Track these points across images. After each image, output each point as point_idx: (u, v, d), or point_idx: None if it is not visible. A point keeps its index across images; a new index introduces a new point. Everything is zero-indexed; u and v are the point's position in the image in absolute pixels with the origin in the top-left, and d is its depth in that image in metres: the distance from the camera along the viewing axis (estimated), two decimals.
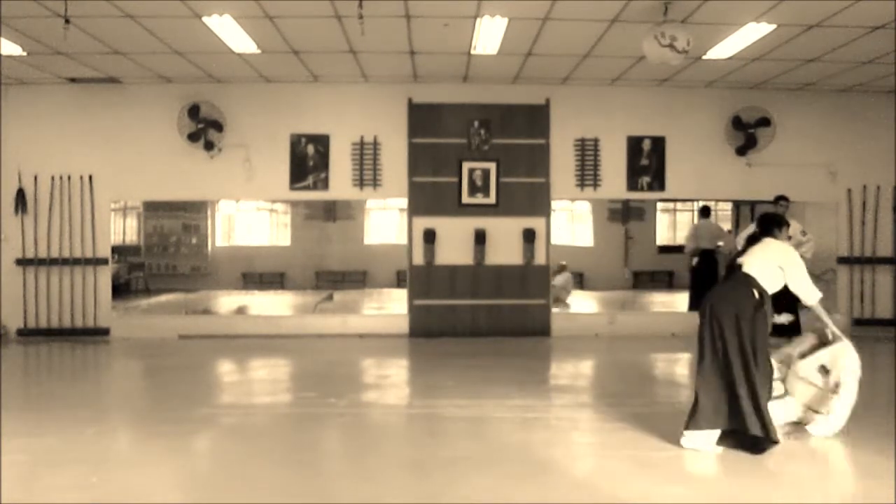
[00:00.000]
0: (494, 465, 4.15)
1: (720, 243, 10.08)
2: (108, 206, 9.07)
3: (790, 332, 9.87)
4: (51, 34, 6.71)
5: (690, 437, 4.39)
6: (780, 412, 4.63)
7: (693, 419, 4.38)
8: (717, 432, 4.38)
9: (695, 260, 10.24)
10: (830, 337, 4.78)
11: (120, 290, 11.53)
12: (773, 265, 4.58)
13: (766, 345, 4.45)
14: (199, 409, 5.43)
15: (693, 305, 9.91)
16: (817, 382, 4.69)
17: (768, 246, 4.71)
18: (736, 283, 4.57)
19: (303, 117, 9.03)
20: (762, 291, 4.50)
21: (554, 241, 9.36)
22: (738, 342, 4.34)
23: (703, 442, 4.37)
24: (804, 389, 4.74)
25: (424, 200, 9.04)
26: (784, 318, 7.65)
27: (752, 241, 4.87)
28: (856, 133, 9.20)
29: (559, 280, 10.87)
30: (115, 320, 9.06)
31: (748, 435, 4.29)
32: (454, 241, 9.01)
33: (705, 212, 10.50)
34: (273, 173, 9.00)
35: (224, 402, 6.00)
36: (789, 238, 5.11)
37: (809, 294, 4.60)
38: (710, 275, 9.86)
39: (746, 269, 4.58)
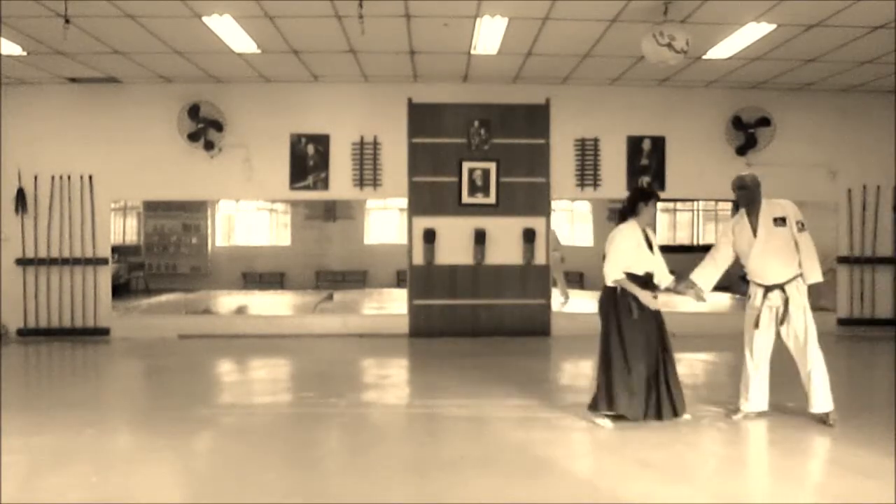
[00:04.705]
0: (494, 465, 4.15)
1: None
2: (108, 206, 9.07)
3: None
4: (51, 34, 6.72)
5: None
6: None
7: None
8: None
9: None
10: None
11: (120, 290, 11.54)
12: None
13: (631, 330, 4.90)
14: (199, 409, 5.43)
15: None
16: None
17: (610, 240, 5.07)
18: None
19: (303, 117, 9.03)
20: (619, 283, 4.94)
21: None
22: (606, 337, 4.98)
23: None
24: None
25: (424, 200, 9.04)
26: None
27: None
28: (856, 133, 9.21)
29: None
30: (115, 320, 9.06)
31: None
32: (454, 240, 9.01)
33: None
34: (273, 173, 9.00)
35: (224, 402, 6.00)
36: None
37: (607, 273, 4.95)
38: None
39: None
